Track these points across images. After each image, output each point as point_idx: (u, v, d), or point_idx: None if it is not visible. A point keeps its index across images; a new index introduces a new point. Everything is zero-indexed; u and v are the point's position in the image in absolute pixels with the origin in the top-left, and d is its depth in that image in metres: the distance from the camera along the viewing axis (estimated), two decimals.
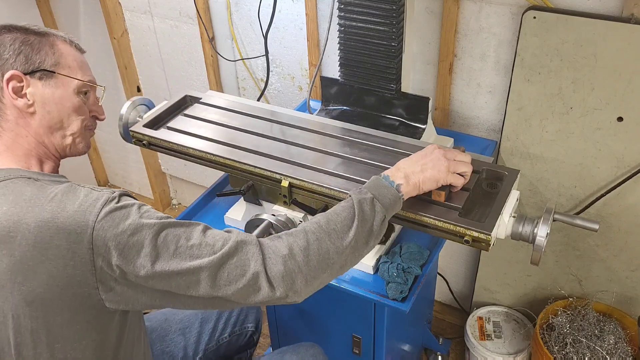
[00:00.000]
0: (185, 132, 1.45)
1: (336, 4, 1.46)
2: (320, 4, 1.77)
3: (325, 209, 1.28)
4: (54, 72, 1.07)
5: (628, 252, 1.66)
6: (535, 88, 1.52)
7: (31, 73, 1.04)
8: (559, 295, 1.83)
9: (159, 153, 2.20)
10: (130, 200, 0.97)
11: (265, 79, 2.02)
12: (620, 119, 1.46)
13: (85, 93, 1.13)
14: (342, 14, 1.45)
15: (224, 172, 1.45)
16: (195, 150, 1.38)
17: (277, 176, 1.29)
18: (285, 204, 1.32)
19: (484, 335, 1.92)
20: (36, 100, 1.05)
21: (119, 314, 1.02)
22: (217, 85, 2.17)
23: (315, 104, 1.77)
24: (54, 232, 0.90)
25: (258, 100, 2.06)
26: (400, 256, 1.32)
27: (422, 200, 1.20)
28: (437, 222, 1.14)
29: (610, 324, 1.71)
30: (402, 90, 1.53)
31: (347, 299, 1.46)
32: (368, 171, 1.27)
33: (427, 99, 1.49)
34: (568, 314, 1.75)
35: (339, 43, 1.52)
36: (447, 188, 1.16)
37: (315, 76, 1.80)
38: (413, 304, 1.25)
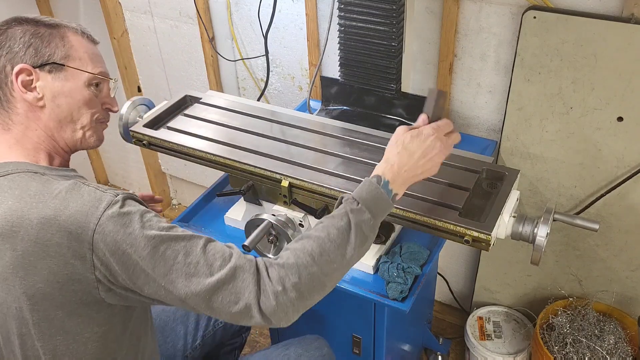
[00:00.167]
0: (185, 132, 1.45)
1: (336, 4, 1.46)
2: (320, 4, 1.77)
3: (325, 209, 1.28)
4: (64, 65, 1.05)
5: (628, 252, 1.66)
6: (535, 88, 1.52)
7: (41, 66, 1.03)
8: (559, 295, 1.83)
9: (159, 153, 2.20)
10: (133, 206, 0.95)
11: (265, 79, 2.02)
12: (620, 119, 1.46)
13: (97, 85, 1.11)
14: (342, 14, 1.45)
15: (224, 172, 1.45)
16: (195, 150, 1.38)
17: (277, 176, 1.29)
18: (285, 204, 1.32)
19: (484, 335, 1.92)
20: (46, 94, 1.04)
21: (123, 307, 1.02)
22: (217, 85, 2.17)
23: (315, 104, 1.77)
24: (55, 230, 0.91)
25: (258, 100, 2.06)
26: (400, 256, 1.32)
27: (422, 200, 1.20)
28: (437, 222, 1.14)
29: (610, 324, 1.71)
30: (402, 90, 1.53)
31: (347, 299, 1.46)
32: (368, 171, 1.26)
33: None
34: (568, 314, 1.75)
35: (339, 43, 1.52)
36: None
37: (315, 76, 1.80)
38: (413, 304, 1.25)
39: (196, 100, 1.59)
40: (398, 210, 1.18)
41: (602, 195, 1.58)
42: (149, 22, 2.22)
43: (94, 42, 1.14)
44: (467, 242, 1.12)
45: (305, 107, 1.79)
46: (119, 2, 2.23)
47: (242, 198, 1.47)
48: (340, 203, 1.03)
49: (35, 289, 0.94)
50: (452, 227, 1.13)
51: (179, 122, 1.50)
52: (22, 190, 0.95)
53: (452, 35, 1.59)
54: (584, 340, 1.67)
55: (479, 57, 1.61)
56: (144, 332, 1.12)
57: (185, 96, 1.59)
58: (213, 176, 1.72)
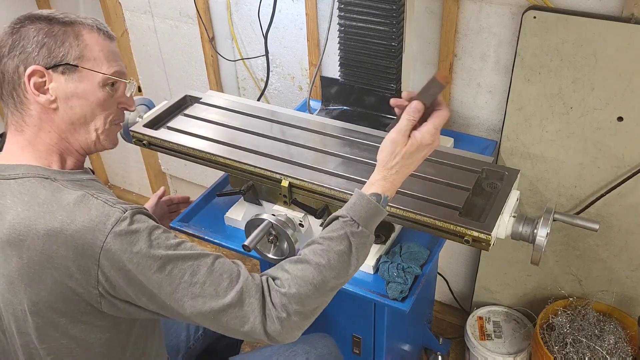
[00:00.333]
0: (185, 132, 1.45)
1: (336, 4, 1.46)
2: (320, 3, 1.77)
3: (325, 208, 1.28)
4: (78, 66, 1.01)
5: (628, 252, 1.66)
6: (535, 88, 1.52)
7: (54, 67, 0.99)
8: (559, 295, 1.83)
9: (159, 153, 2.20)
10: (142, 223, 0.94)
11: (265, 79, 2.02)
12: (620, 119, 1.46)
13: (113, 84, 1.07)
14: (342, 13, 1.45)
15: (224, 172, 1.45)
16: (195, 150, 1.38)
17: (277, 176, 1.29)
18: (285, 204, 1.32)
19: (484, 335, 1.92)
20: (59, 96, 1.01)
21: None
22: (217, 85, 2.17)
23: (315, 104, 1.77)
24: (62, 243, 0.90)
25: (258, 100, 2.06)
26: (400, 256, 1.32)
27: (423, 200, 1.20)
28: (437, 222, 1.14)
29: (610, 324, 1.71)
30: (402, 90, 1.53)
31: (347, 299, 1.46)
32: (368, 171, 1.26)
33: None
34: (568, 314, 1.75)
35: (339, 43, 1.52)
36: None
37: (315, 76, 1.80)
38: (413, 304, 1.25)
39: (196, 100, 1.59)
40: (398, 210, 1.18)
41: (602, 195, 1.58)
42: (149, 22, 2.22)
43: (110, 38, 1.09)
44: (467, 242, 1.12)
45: (305, 107, 1.79)
46: (119, 2, 2.23)
47: (242, 198, 1.47)
48: (335, 219, 1.00)
49: (39, 297, 0.94)
50: (452, 227, 1.13)
51: (179, 122, 1.50)
52: (31, 197, 0.94)
53: (452, 35, 1.59)
54: (584, 340, 1.67)
55: (479, 57, 1.61)
56: (150, 333, 1.12)
57: (185, 96, 1.59)
58: (213, 176, 1.72)
